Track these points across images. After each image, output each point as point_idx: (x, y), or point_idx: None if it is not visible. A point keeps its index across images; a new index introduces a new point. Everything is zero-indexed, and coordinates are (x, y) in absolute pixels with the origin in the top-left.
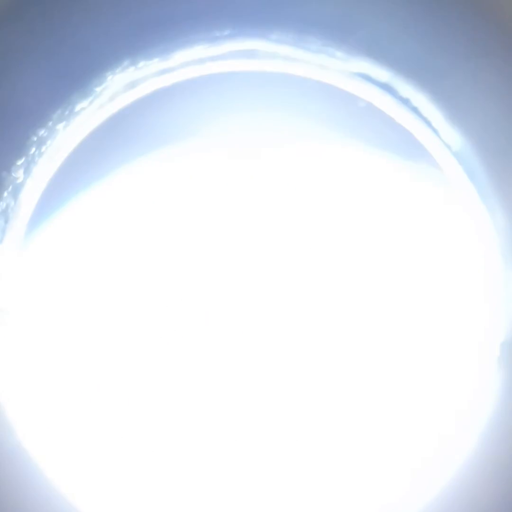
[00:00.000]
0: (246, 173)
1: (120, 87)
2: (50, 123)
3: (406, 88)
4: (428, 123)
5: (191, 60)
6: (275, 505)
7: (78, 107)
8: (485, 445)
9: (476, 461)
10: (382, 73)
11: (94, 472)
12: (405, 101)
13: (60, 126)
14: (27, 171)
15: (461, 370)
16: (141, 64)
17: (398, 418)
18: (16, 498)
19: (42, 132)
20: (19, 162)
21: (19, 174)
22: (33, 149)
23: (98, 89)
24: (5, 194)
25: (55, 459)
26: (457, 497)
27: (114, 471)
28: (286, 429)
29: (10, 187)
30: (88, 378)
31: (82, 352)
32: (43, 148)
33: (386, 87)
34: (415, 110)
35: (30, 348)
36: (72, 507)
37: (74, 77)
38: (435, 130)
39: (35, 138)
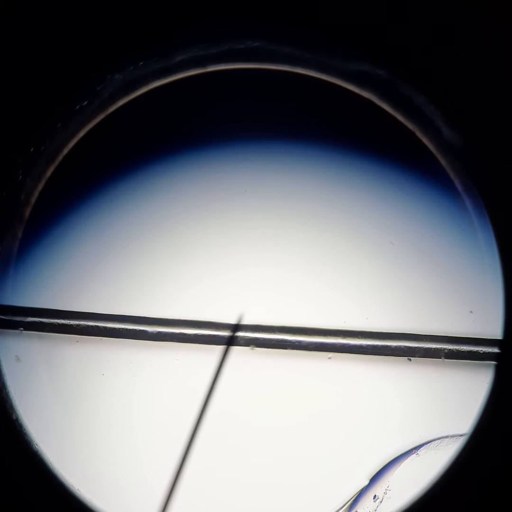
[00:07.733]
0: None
1: (120, 86)
2: (49, 122)
3: (406, 88)
4: (429, 122)
5: (191, 59)
6: None
7: (77, 106)
8: (480, 446)
9: (470, 462)
10: (383, 72)
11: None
12: (406, 100)
13: (59, 125)
14: (26, 170)
15: (456, 370)
16: (141, 63)
17: (393, 418)
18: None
19: (41, 131)
20: (18, 162)
21: (18, 174)
22: (32, 148)
23: (97, 88)
24: (4, 193)
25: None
26: (452, 498)
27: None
28: None
29: (9, 186)
30: None
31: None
32: (42, 148)
33: (387, 86)
34: (416, 109)
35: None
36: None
37: (73, 76)
38: (436, 130)
39: (34, 137)
